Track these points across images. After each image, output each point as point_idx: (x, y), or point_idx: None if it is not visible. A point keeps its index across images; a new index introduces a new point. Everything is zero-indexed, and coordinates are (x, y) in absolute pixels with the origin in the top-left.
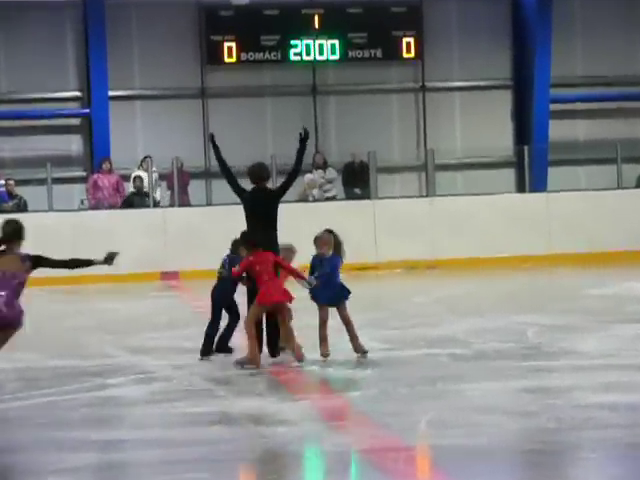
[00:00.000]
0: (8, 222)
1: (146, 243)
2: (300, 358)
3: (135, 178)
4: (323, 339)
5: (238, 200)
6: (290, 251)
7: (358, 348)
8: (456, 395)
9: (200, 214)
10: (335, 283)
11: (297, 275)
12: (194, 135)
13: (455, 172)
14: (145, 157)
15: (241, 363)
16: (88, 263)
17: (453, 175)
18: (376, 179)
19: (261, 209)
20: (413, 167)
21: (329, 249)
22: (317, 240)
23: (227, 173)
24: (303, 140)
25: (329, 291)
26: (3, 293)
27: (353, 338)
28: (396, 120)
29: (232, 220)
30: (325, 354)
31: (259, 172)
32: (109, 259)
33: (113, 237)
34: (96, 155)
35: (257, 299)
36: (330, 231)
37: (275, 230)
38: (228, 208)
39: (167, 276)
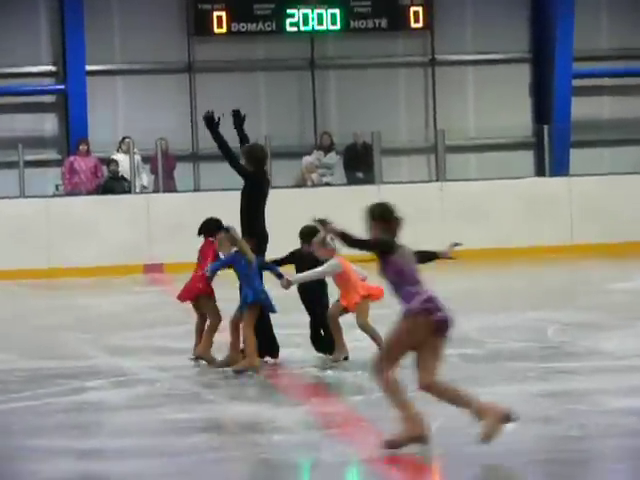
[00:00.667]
0: None
1: (128, 233)
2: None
3: (110, 162)
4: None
5: (227, 185)
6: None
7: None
8: None
9: (187, 201)
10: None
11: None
12: (180, 114)
13: (468, 154)
14: (124, 138)
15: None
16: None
17: (466, 158)
18: (381, 162)
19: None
20: (421, 149)
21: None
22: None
23: (228, 152)
24: (236, 120)
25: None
26: None
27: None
28: (403, 97)
29: (222, 207)
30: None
31: (263, 154)
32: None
33: (91, 226)
34: (72, 136)
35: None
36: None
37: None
38: (217, 194)
39: (151, 269)
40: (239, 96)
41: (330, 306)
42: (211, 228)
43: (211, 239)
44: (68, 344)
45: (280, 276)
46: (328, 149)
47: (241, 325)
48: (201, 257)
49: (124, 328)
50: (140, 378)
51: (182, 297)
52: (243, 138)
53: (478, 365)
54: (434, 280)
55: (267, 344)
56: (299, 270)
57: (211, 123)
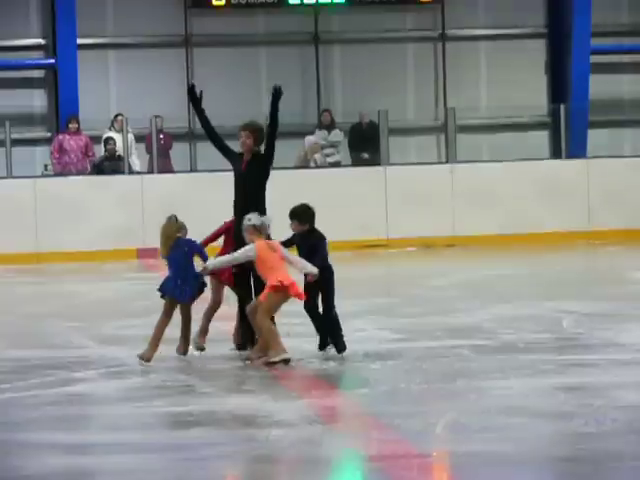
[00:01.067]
0: None
1: (121, 215)
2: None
3: (107, 140)
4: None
5: (227, 166)
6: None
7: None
8: (479, 394)
9: (184, 182)
10: None
11: None
12: (176, 90)
13: (480, 135)
14: (116, 115)
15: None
16: None
17: (477, 138)
18: (387, 142)
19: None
20: (431, 128)
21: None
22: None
23: (210, 134)
24: (275, 98)
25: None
26: None
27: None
28: (411, 74)
29: (220, 189)
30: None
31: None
32: None
33: (82, 208)
34: (62, 113)
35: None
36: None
37: (263, 203)
38: (216, 176)
39: (145, 254)
40: (238, 72)
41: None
42: None
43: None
44: (57, 333)
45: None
46: (329, 128)
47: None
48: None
49: (116, 316)
50: (132, 369)
51: (228, 278)
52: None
53: (490, 357)
54: (445, 269)
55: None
56: (301, 251)
57: (193, 97)
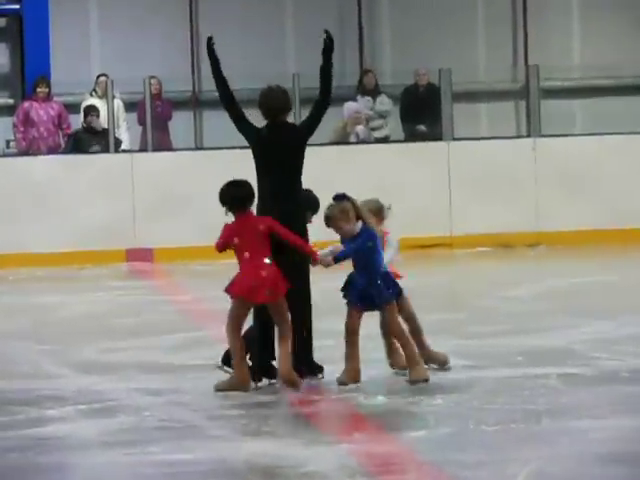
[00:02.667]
0: None
1: (105, 206)
2: (292, 384)
3: (88, 109)
4: (350, 358)
5: (244, 142)
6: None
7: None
8: (570, 436)
9: (186, 162)
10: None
11: (303, 247)
12: (177, 46)
13: (571, 100)
14: (99, 76)
15: (222, 389)
16: None
17: (568, 105)
18: (451, 111)
19: (280, 156)
20: (507, 93)
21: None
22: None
23: (228, 100)
24: (327, 50)
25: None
26: None
27: (410, 361)
28: (482, 23)
29: (233, 170)
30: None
31: (277, 100)
32: None
33: (54, 197)
34: (28, 73)
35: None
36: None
37: (299, 186)
38: (227, 154)
39: (136, 255)
40: (257, 23)
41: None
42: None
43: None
44: (23, 358)
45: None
46: (374, 93)
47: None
48: (252, 241)
49: (99, 337)
50: (121, 405)
51: (257, 296)
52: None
53: (584, 389)
54: (526, 275)
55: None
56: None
57: (212, 55)
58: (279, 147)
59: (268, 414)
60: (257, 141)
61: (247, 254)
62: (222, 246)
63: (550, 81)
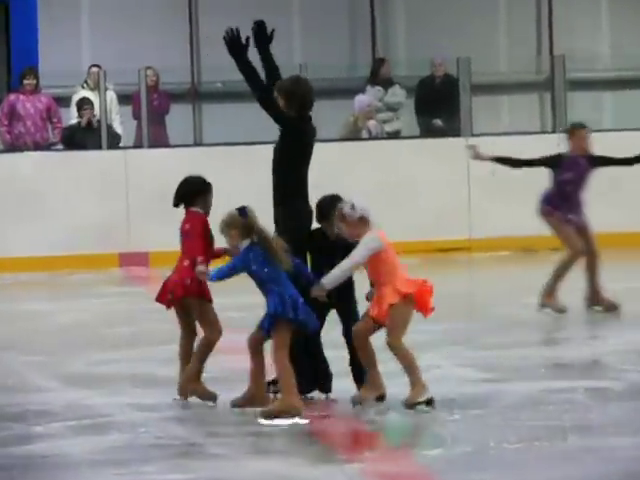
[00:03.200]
0: None
1: (96, 206)
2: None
3: (82, 102)
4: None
5: (244, 137)
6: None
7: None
8: (598, 455)
9: (184, 159)
10: None
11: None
12: (175, 33)
13: (599, 93)
14: (91, 66)
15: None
16: None
17: (596, 98)
18: (470, 104)
19: (312, 150)
20: (531, 84)
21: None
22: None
23: (266, 92)
24: (260, 38)
25: None
26: None
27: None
28: (503, 9)
29: (235, 169)
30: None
31: (311, 92)
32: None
33: (42, 196)
34: (15, 64)
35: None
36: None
37: None
38: (229, 150)
39: (130, 260)
40: (261, 10)
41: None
42: (195, 190)
43: (195, 209)
44: (9, 371)
45: (311, 283)
46: (386, 84)
47: (269, 348)
48: (186, 237)
49: (90, 347)
50: (114, 421)
51: (161, 298)
52: (271, 67)
53: (614, 405)
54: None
55: (315, 372)
56: (320, 262)
57: (238, 47)
58: (313, 142)
59: (273, 431)
60: (304, 132)
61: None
62: None
63: (577, 72)
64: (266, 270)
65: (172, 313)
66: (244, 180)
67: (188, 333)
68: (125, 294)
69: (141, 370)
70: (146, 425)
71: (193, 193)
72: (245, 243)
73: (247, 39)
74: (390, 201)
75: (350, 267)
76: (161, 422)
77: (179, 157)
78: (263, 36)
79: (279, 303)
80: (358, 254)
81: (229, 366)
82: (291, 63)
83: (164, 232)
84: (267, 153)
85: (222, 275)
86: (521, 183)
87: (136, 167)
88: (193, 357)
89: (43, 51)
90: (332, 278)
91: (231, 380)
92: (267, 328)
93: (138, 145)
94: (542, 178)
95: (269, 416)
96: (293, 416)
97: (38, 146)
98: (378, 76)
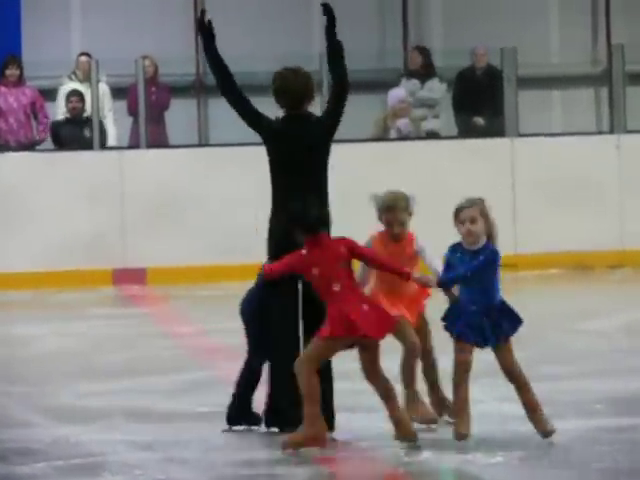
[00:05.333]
0: None
1: (87, 215)
2: (410, 436)
3: (71, 94)
4: (459, 404)
5: (254, 138)
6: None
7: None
8: None
9: (187, 161)
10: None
11: (401, 273)
12: (176, 19)
13: None
14: (80, 55)
15: (292, 445)
16: None
17: None
18: (516, 100)
19: (301, 154)
20: (585, 78)
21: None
22: (461, 211)
23: (225, 82)
24: (330, 27)
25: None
26: None
27: (532, 411)
28: None
29: (245, 172)
30: (462, 433)
31: (296, 85)
32: None
33: (25, 202)
34: None
35: (323, 330)
36: (478, 200)
37: (325, 192)
38: (239, 152)
39: (125, 277)
40: None
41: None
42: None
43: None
44: None
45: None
46: (423, 76)
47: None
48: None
49: (80, 377)
50: (106, 461)
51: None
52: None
53: None
54: (609, 303)
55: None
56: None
57: (205, 30)
58: (297, 144)
59: (286, 474)
60: (270, 136)
61: (336, 286)
62: (278, 273)
63: (638, 64)
64: None
65: (170, 339)
66: (255, 185)
67: None
68: (119, 316)
69: (137, 403)
70: (143, 466)
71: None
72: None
73: (209, 22)
74: (422, 210)
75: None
76: (160, 463)
77: (181, 159)
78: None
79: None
80: None
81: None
82: (309, 53)
83: (163, 246)
84: None
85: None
86: (574, 190)
87: (132, 170)
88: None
89: (26, 37)
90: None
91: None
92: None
93: (134, 145)
94: (597, 185)
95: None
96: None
97: (21, 146)
98: (410, 68)
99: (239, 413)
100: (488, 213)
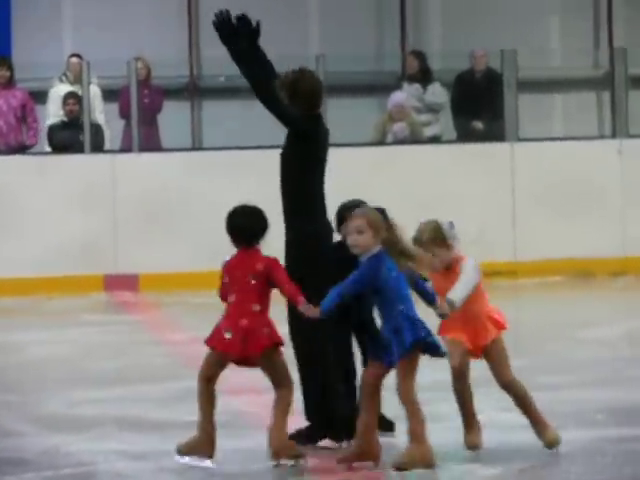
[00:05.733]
0: None
1: (79, 220)
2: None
3: (68, 97)
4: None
5: (251, 140)
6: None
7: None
8: None
9: (180, 166)
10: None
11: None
12: (170, 19)
13: None
14: (71, 56)
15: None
16: None
17: None
18: (516, 104)
19: (326, 154)
20: (587, 81)
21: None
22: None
23: (270, 91)
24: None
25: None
26: None
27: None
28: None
29: (239, 177)
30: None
31: (319, 85)
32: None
33: (15, 207)
34: None
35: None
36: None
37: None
38: (233, 156)
39: (117, 283)
40: None
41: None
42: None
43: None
44: None
45: (433, 300)
46: (423, 81)
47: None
48: (248, 278)
49: (70, 385)
50: (97, 471)
51: (241, 351)
52: (263, 64)
53: None
54: (610, 312)
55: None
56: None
57: (228, 32)
58: (327, 145)
59: None
60: (315, 133)
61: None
62: (222, 292)
63: None
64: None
65: (162, 347)
66: (251, 191)
67: None
68: (111, 323)
69: (130, 412)
70: (135, 476)
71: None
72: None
73: (257, 24)
74: (421, 215)
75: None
76: (152, 473)
77: (175, 163)
78: (248, 29)
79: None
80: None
81: (235, 409)
82: (306, 54)
83: (156, 252)
84: (278, 159)
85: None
86: (575, 196)
87: (124, 174)
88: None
89: (17, 38)
90: (461, 294)
91: (238, 426)
92: (396, 357)
93: (127, 149)
94: (599, 191)
95: (402, 468)
96: (427, 467)
97: (11, 149)
98: (408, 72)
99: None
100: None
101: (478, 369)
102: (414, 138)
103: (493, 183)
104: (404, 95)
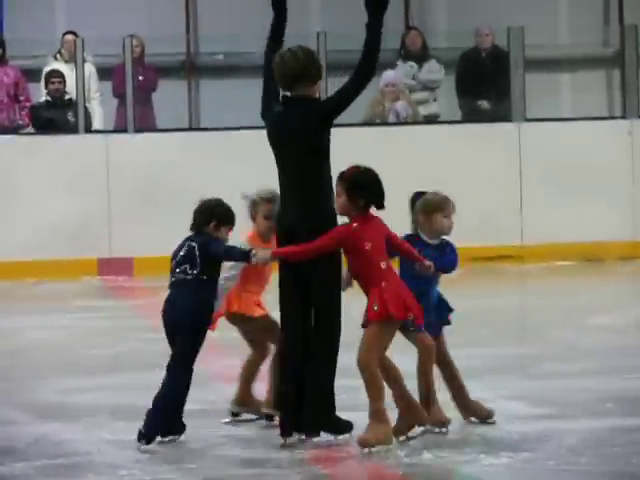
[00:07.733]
0: None
1: (71, 202)
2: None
3: (50, 75)
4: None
5: (253, 121)
6: None
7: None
8: None
9: (176, 146)
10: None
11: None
12: None
13: None
14: (66, 34)
15: (369, 444)
16: None
17: None
18: (523, 83)
19: (294, 140)
20: (596, 60)
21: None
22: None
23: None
24: (377, 8)
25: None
26: None
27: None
28: None
29: (239, 157)
30: (441, 420)
31: (288, 65)
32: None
33: (6, 190)
34: None
35: (375, 314)
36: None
37: (319, 182)
38: (231, 136)
39: (111, 267)
40: None
41: None
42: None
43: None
44: None
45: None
46: (420, 58)
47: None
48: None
49: (62, 372)
50: (90, 461)
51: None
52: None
53: None
54: (620, 298)
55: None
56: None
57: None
58: (291, 128)
59: (280, 474)
60: (268, 121)
61: (384, 264)
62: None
63: None
64: None
65: (158, 332)
66: (249, 172)
67: None
68: (105, 308)
69: (123, 400)
70: (129, 466)
71: None
72: None
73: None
74: None
75: None
76: (147, 463)
77: (171, 144)
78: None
79: None
80: None
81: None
82: (307, 31)
83: (151, 235)
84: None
85: None
86: (584, 178)
87: (119, 154)
88: None
89: (9, 15)
90: None
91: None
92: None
93: (121, 129)
94: (608, 172)
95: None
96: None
97: (4, 129)
98: (408, 49)
99: None
100: None
101: (480, 358)
102: (414, 117)
103: (499, 165)
104: (395, 73)
